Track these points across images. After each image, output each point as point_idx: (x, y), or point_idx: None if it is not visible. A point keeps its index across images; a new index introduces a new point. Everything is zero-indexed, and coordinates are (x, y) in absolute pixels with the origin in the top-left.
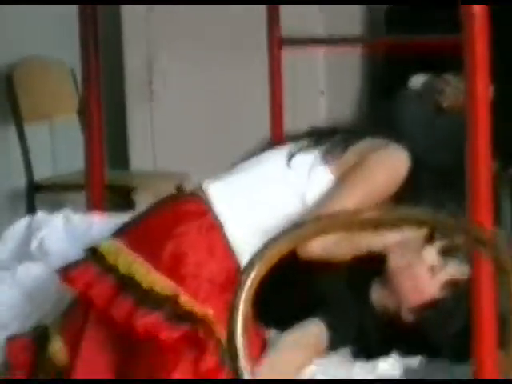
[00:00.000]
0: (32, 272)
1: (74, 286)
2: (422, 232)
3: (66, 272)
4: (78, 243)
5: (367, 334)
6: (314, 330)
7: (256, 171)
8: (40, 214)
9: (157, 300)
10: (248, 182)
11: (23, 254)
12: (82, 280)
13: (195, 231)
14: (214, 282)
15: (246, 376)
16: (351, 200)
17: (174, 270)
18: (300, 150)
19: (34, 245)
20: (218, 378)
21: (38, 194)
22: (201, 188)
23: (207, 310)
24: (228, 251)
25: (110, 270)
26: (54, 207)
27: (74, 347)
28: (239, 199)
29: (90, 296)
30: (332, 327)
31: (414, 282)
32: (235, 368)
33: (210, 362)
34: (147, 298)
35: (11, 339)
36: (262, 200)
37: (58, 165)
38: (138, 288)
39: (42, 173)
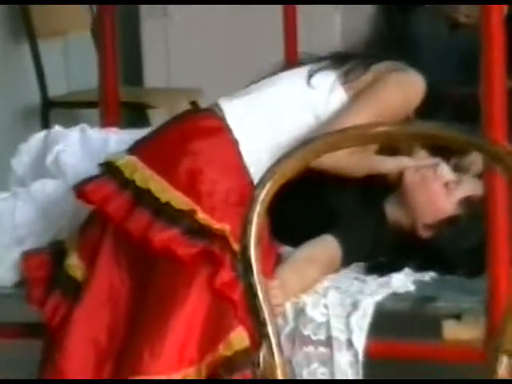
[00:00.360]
0: (47, 188)
1: (90, 201)
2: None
3: (83, 188)
4: (94, 158)
5: (381, 251)
6: (328, 246)
7: (272, 90)
8: (56, 128)
9: (174, 215)
10: (264, 100)
11: (39, 168)
12: (99, 195)
13: (211, 148)
14: (229, 200)
15: (259, 290)
16: (362, 116)
17: (189, 186)
18: (320, 69)
19: (49, 159)
20: (234, 293)
21: (52, 111)
22: (217, 105)
23: (224, 226)
24: (242, 168)
25: (127, 184)
26: (69, 124)
27: (90, 262)
28: (255, 116)
29: (107, 210)
30: (346, 243)
31: (429, 198)
32: (248, 282)
33: (225, 276)
34: (164, 213)
35: (27, 255)
36: (277, 118)
37: (72, 82)
38: (154, 202)
39: (56, 90)
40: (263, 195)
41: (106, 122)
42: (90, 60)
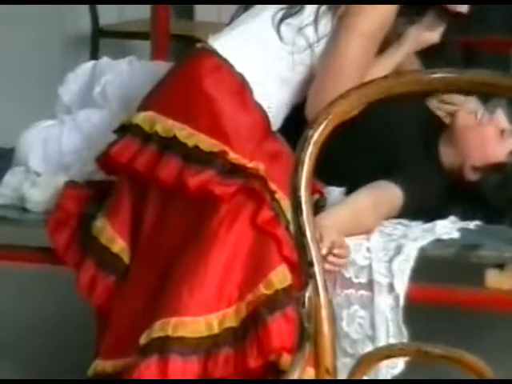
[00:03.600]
0: (93, 118)
1: (117, 164)
2: None
3: (107, 153)
4: (141, 89)
5: (435, 197)
6: (391, 192)
7: (257, 22)
8: (105, 59)
9: (205, 158)
10: (251, 31)
11: (85, 98)
12: (125, 156)
13: (222, 86)
14: (254, 137)
15: (308, 230)
16: (356, 41)
17: (213, 128)
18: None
19: (96, 90)
20: (275, 231)
21: (102, 40)
22: (207, 44)
23: (258, 165)
24: (255, 102)
25: (150, 138)
26: (118, 54)
27: (130, 239)
28: (246, 49)
29: (136, 167)
30: (410, 193)
31: (482, 140)
32: (298, 222)
33: (267, 213)
34: (195, 157)
35: (69, 184)
36: (267, 47)
37: (123, 11)
38: (182, 148)
39: (107, 18)
40: (317, 136)
41: (155, 54)
42: None
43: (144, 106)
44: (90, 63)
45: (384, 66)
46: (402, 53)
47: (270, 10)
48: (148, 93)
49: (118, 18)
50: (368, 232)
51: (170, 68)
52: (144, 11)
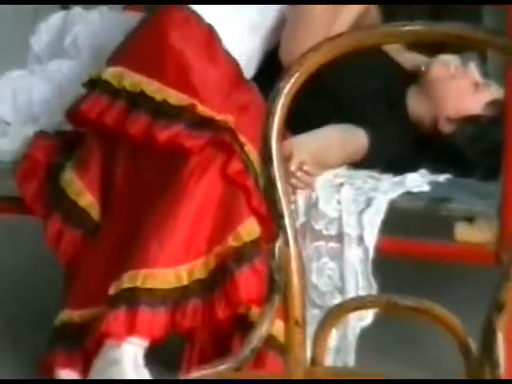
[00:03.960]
0: (64, 68)
1: (87, 120)
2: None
3: (76, 109)
4: (112, 39)
5: (399, 148)
6: (357, 134)
7: None
8: (76, 9)
9: (173, 112)
10: None
11: (57, 48)
12: (95, 111)
13: (190, 38)
14: (223, 89)
15: (278, 182)
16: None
17: (182, 82)
18: None
19: (67, 40)
20: (245, 182)
21: None
22: None
23: (227, 117)
24: (225, 54)
25: (118, 94)
26: (90, 4)
27: (100, 196)
28: (219, 4)
29: (105, 122)
30: (375, 140)
31: (457, 92)
32: (268, 173)
33: (237, 165)
34: (163, 111)
35: (39, 135)
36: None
37: None
38: (151, 103)
39: None
40: (288, 87)
41: (127, 5)
42: None
43: (113, 60)
44: (62, 13)
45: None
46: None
47: None
48: (117, 46)
49: None
50: (332, 167)
51: (139, 21)
52: None
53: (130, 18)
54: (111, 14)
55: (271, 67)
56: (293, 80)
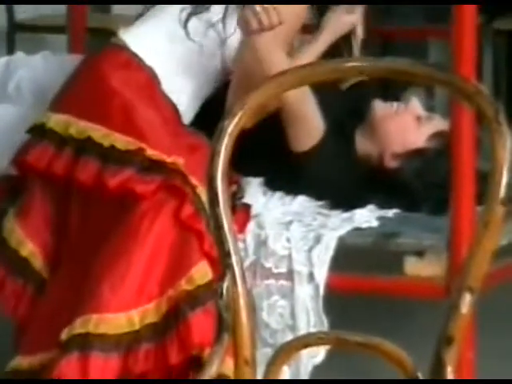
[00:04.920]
0: (6, 115)
1: (37, 170)
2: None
3: (24, 158)
4: (55, 83)
5: (346, 184)
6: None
7: (166, 15)
8: (19, 54)
9: (122, 157)
10: (162, 23)
11: (0, 95)
12: (42, 161)
13: (132, 81)
14: (169, 131)
15: (225, 221)
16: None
17: (128, 126)
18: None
19: (10, 86)
20: (197, 226)
21: (19, 34)
22: (118, 38)
23: (177, 159)
24: (165, 96)
25: (65, 142)
26: (35, 48)
27: (31, 231)
28: (157, 40)
29: (54, 172)
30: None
31: (400, 128)
32: (214, 213)
33: (189, 208)
34: (112, 157)
35: None
36: (179, 40)
37: (40, 5)
38: (99, 149)
39: (23, 13)
40: (232, 127)
41: (72, 48)
42: None
43: (56, 107)
44: (4, 59)
45: (307, 56)
46: (323, 41)
47: (175, 6)
48: (59, 91)
49: (35, 12)
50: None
51: (77, 65)
52: (61, 6)
53: (73, 61)
54: (54, 57)
55: (208, 113)
56: (236, 119)
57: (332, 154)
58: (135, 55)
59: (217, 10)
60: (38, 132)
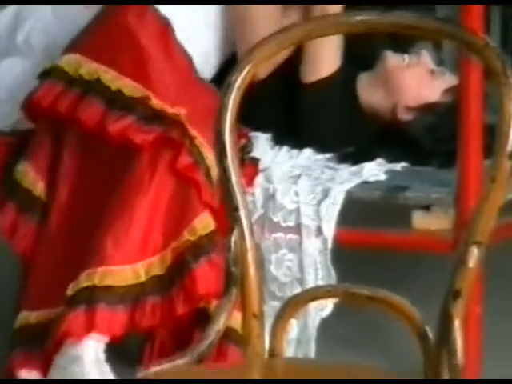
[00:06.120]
0: (16, 68)
1: (41, 108)
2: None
3: (31, 97)
4: (66, 37)
5: (353, 137)
6: None
7: None
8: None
9: (127, 103)
10: None
11: (8, 44)
12: (48, 99)
13: (148, 34)
14: (177, 82)
15: (233, 174)
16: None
17: (139, 73)
18: None
19: (19, 38)
20: (194, 176)
21: None
22: None
23: (179, 110)
24: (182, 51)
25: (74, 82)
26: None
27: (49, 178)
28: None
29: (58, 109)
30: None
31: (415, 81)
32: (222, 166)
33: (185, 159)
34: (117, 101)
35: None
36: None
37: None
38: (106, 92)
39: None
40: (239, 81)
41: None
42: None
43: (70, 48)
44: (13, 7)
45: None
46: None
47: None
48: (75, 35)
49: None
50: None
51: (96, 13)
52: None
53: (86, 10)
54: (65, 7)
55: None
56: (243, 73)
57: (338, 99)
58: (152, 5)
59: None
60: (48, 74)
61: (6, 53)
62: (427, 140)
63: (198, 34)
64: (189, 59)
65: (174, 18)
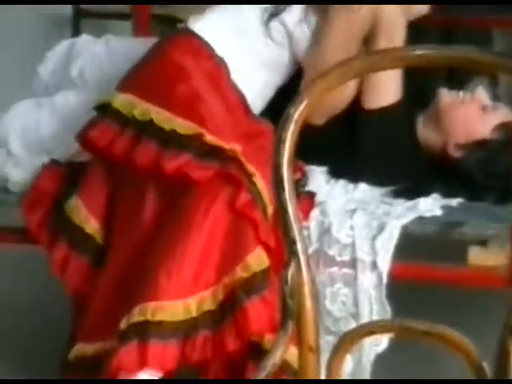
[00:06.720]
0: (71, 101)
1: (97, 149)
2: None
3: (86, 135)
4: (118, 68)
5: (410, 173)
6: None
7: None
8: (83, 37)
9: (182, 141)
10: (232, 16)
11: (63, 76)
12: (104, 140)
13: (200, 69)
14: (230, 120)
15: (290, 208)
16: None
17: (191, 111)
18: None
19: (74, 72)
20: (252, 214)
21: (83, 21)
22: (187, 27)
23: (234, 146)
24: (233, 85)
25: (128, 122)
26: (100, 35)
27: (105, 220)
28: (231, 39)
29: (114, 153)
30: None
31: (465, 118)
32: (280, 199)
33: (244, 197)
34: (172, 141)
35: (47, 164)
36: (246, 35)
37: None
38: (159, 132)
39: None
40: (297, 115)
41: (136, 35)
42: None
43: (123, 87)
44: (68, 41)
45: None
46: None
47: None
48: (127, 72)
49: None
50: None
51: (149, 48)
52: None
53: (138, 45)
54: (117, 42)
55: (281, 102)
56: (302, 107)
57: (396, 131)
58: (206, 43)
59: (293, 10)
60: (103, 110)
61: (60, 86)
62: (481, 176)
63: (250, 74)
64: (242, 98)
65: (228, 58)
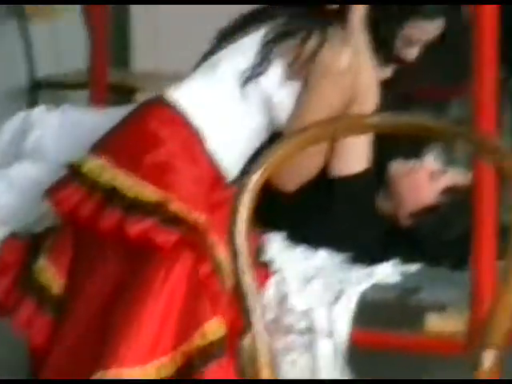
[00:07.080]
0: (29, 172)
1: (62, 212)
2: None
3: (53, 196)
4: (74, 138)
5: (369, 238)
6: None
7: (218, 73)
8: (39, 109)
9: (146, 207)
10: (211, 83)
11: (18, 149)
12: (69, 205)
13: (173, 138)
14: (200, 188)
15: (246, 277)
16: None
17: (160, 177)
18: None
19: (29, 144)
20: (211, 285)
21: (40, 92)
22: (166, 94)
23: (200, 216)
24: (207, 155)
25: (95, 188)
26: (58, 104)
27: (68, 276)
28: (207, 100)
29: (78, 218)
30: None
31: (412, 187)
32: (236, 269)
33: (204, 268)
34: (136, 207)
35: (8, 238)
36: (228, 100)
37: (61, 62)
38: (124, 199)
39: (44, 70)
40: (253, 184)
41: (93, 104)
42: (79, 40)
43: (95, 150)
44: (23, 114)
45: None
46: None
47: (229, 62)
48: (101, 136)
49: (56, 68)
50: None
51: (125, 115)
52: (82, 62)
53: (94, 114)
54: (74, 112)
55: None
56: (257, 176)
57: (361, 199)
58: (182, 112)
59: (271, 74)
60: (73, 171)
61: (17, 157)
62: (433, 243)
63: (229, 141)
64: (215, 166)
65: (206, 126)
